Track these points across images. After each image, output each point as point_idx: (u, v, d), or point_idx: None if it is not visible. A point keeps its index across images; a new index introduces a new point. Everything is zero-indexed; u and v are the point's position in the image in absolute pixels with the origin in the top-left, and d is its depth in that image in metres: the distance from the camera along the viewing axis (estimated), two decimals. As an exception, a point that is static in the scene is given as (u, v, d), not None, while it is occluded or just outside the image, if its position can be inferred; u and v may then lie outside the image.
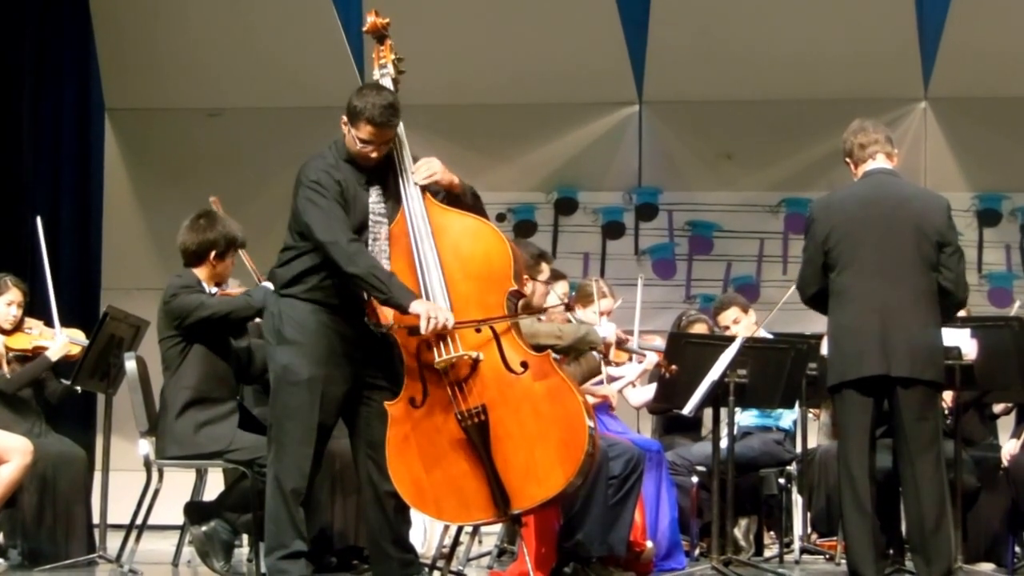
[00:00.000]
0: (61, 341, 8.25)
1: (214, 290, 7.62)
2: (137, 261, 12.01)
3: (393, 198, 6.37)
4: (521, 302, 6.47)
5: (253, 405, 7.81)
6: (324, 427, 6.32)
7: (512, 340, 6.26)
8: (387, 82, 6.53)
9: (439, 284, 6.24)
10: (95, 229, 12.22)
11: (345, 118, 6.30)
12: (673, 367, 7.63)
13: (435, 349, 6.18)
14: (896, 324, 6.64)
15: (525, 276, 6.60)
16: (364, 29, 6.68)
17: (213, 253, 7.60)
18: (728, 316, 9.04)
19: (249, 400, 8.00)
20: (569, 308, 7.33)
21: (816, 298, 6.90)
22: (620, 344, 7.87)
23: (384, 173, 6.39)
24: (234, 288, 7.79)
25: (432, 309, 6.07)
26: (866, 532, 6.67)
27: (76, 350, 8.29)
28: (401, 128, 6.40)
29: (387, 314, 6.27)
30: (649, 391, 8.47)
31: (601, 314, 8.13)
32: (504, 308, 6.28)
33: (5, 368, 7.97)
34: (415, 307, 6.08)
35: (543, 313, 7.25)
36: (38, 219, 8.51)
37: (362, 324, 6.34)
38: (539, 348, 6.45)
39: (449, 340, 6.18)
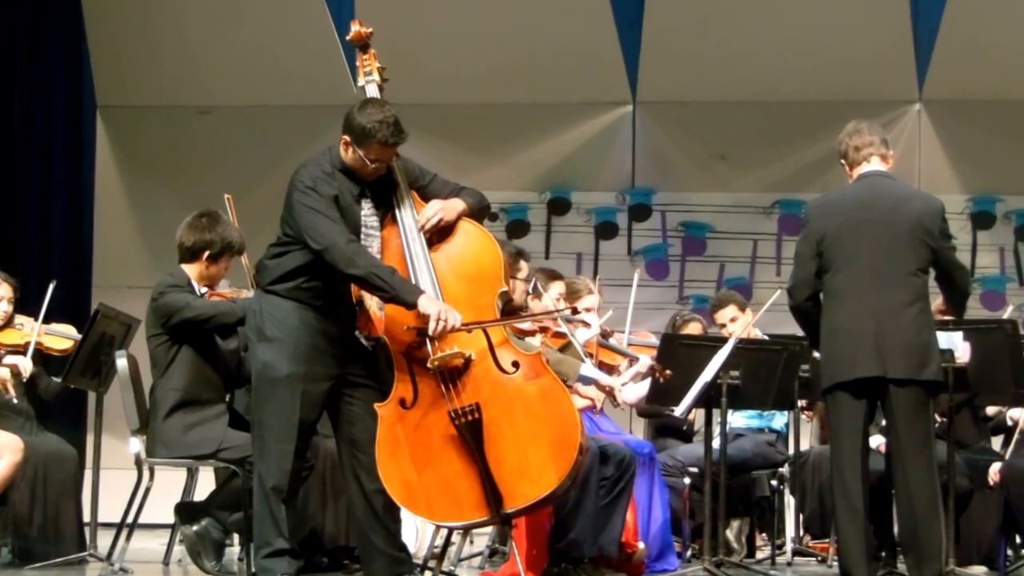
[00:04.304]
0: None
1: (203, 290, 7.60)
2: (128, 259, 12.01)
3: (384, 207, 6.37)
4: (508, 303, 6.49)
5: (244, 409, 7.77)
6: (305, 424, 6.31)
7: (503, 340, 6.27)
8: (372, 89, 6.58)
9: (431, 285, 6.25)
10: (86, 226, 12.21)
11: (348, 137, 6.26)
12: (667, 372, 7.61)
13: (428, 347, 6.17)
14: (891, 325, 6.63)
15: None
16: (348, 38, 6.71)
17: (207, 253, 7.59)
18: (725, 314, 9.05)
19: (240, 403, 7.97)
20: (575, 311, 7.26)
21: (806, 306, 6.85)
22: (605, 336, 7.87)
23: (375, 182, 6.37)
24: (226, 290, 7.77)
25: (443, 310, 6.08)
26: (858, 534, 6.66)
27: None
28: None
29: (379, 325, 6.26)
30: (642, 388, 8.44)
31: (587, 310, 8.11)
32: (494, 309, 6.31)
33: (12, 392, 7.93)
34: (424, 305, 6.08)
35: (547, 315, 7.23)
36: (53, 283, 8.47)
37: (344, 322, 6.34)
38: None
39: (442, 339, 6.17)
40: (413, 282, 6.23)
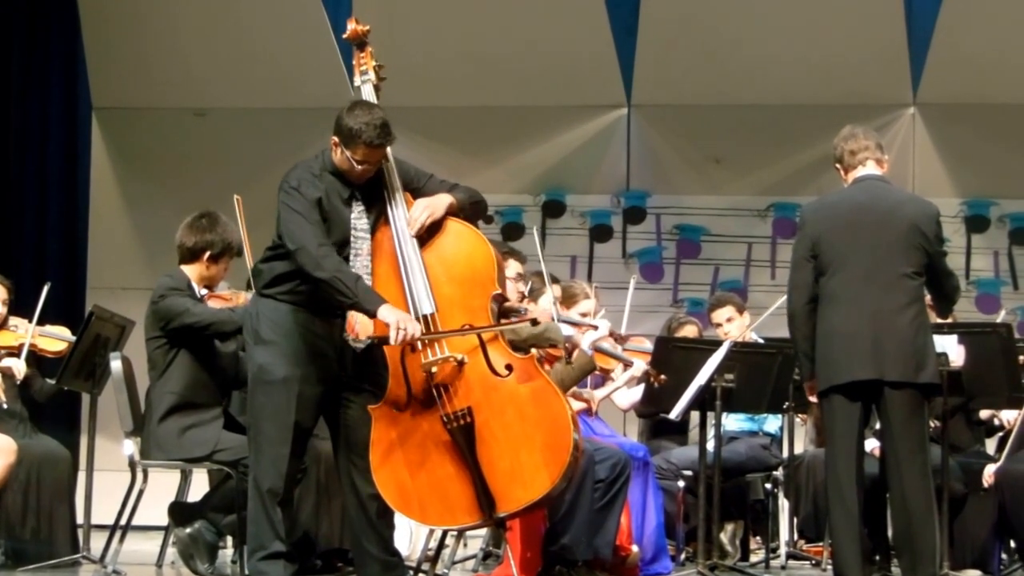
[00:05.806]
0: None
1: (203, 292, 7.60)
2: (123, 260, 12.00)
3: (376, 210, 6.35)
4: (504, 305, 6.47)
5: (239, 412, 7.77)
6: (301, 427, 6.29)
7: (497, 343, 6.26)
8: (368, 88, 6.55)
9: (424, 288, 6.23)
10: (81, 228, 12.20)
11: (336, 139, 6.25)
12: (662, 377, 7.60)
13: (420, 351, 6.16)
14: (888, 328, 6.62)
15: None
16: (344, 36, 6.70)
17: (207, 254, 7.59)
18: (722, 314, 9.05)
19: (235, 407, 7.96)
20: (535, 323, 7.20)
21: (804, 310, 6.82)
22: (617, 340, 7.84)
23: (367, 185, 6.36)
24: (224, 292, 7.76)
25: (402, 319, 6.04)
26: (853, 537, 6.66)
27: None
28: None
29: (367, 328, 6.24)
30: (636, 393, 8.45)
31: (583, 315, 8.10)
32: (488, 311, 6.29)
33: (3, 397, 7.93)
34: (383, 314, 6.05)
35: (527, 322, 7.21)
36: (47, 284, 8.48)
37: (340, 325, 6.31)
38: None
39: (435, 342, 6.17)
40: (407, 284, 6.21)
